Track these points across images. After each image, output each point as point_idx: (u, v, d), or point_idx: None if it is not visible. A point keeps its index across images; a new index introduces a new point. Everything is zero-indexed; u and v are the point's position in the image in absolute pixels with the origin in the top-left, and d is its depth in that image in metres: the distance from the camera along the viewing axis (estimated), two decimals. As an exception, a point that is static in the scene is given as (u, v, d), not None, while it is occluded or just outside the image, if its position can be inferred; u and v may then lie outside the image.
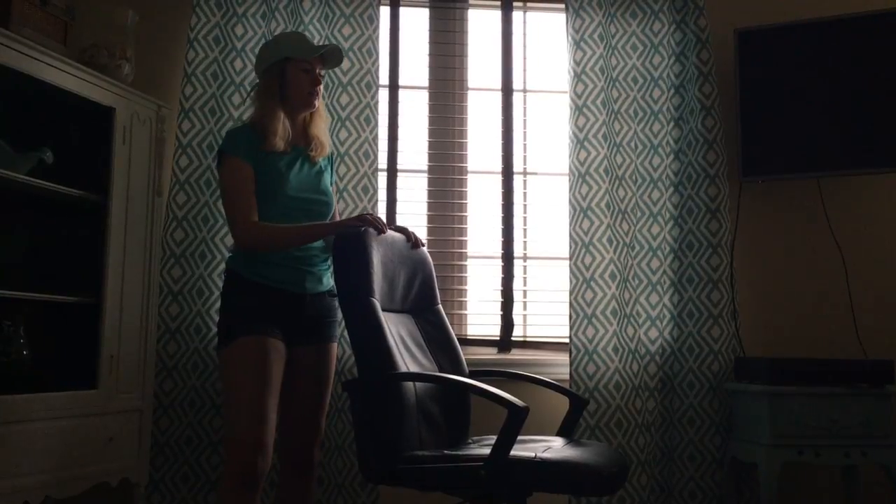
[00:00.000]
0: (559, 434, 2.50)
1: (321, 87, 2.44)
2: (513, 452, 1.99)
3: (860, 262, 3.22)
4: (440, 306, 2.60)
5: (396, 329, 2.37)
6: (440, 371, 2.45)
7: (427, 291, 2.57)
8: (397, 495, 2.86)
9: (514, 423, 1.94)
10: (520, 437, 2.35)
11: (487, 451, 2.04)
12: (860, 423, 2.70)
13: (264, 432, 2.18)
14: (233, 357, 2.24)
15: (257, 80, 2.47)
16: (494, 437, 2.33)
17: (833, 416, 2.69)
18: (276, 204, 2.33)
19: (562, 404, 3.07)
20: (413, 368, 2.30)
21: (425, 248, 2.60)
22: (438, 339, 2.53)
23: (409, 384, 2.20)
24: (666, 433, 3.01)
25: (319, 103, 2.47)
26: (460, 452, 2.11)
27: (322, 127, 2.49)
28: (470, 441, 2.46)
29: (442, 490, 2.11)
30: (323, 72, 2.48)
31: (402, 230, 2.51)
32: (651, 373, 3.03)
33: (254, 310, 2.28)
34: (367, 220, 2.29)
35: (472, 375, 2.54)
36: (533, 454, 1.99)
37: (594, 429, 2.93)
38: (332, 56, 2.46)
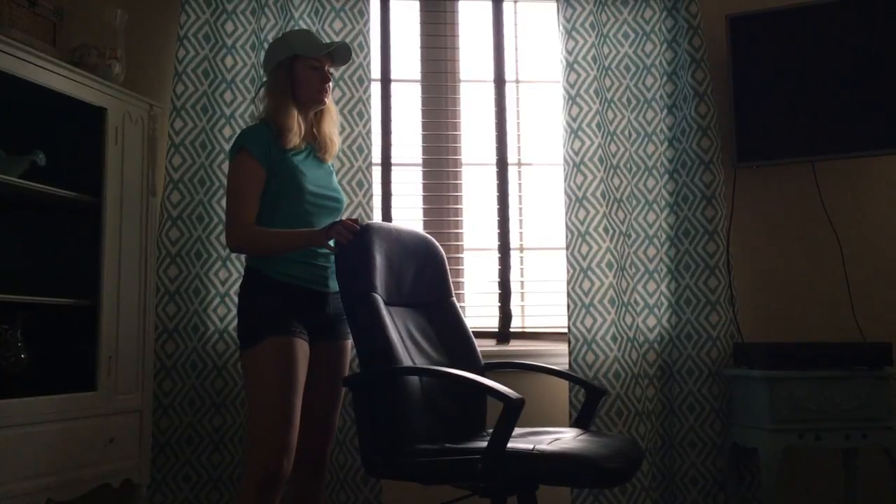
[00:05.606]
0: (575, 425, 2.48)
1: (330, 84, 2.43)
2: (512, 444, 1.97)
3: (856, 244, 3.22)
4: (454, 299, 2.59)
5: (404, 323, 2.36)
6: (452, 365, 2.41)
7: (439, 285, 2.55)
8: (399, 490, 2.86)
9: (510, 414, 1.93)
10: (532, 430, 2.35)
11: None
12: (860, 406, 2.70)
13: (290, 434, 2.16)
14: (259, 357, 2.20)
15: (265, 78, 2.47)
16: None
17: (833, 400, 2.70)
18: (298, 200, 2.31)
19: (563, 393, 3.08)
20: (420, 362, 2.28)
21: (436, 242, 2.59)
22: (451, 332, 2.51)
23: (414, 378, 2.19)
24: (666, 420, 3.01)
25: (329, 101, 2.47)
26: (463, 445, 2.10)
27: (332, 125, 2.48)
28: (485, 433, 2.43)
29: (443, 483, 2.10)
30: (333, 70, 2.47)
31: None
32: (650, 360, 3.03)
33: (279, 309, 2.24)
34: (338, 232, 2.19)
35: (486, 368, 2.54)
36: (531, 446, 1.98)
37: (594, 418, 2.93)
38: (340, 54, 2.44)
